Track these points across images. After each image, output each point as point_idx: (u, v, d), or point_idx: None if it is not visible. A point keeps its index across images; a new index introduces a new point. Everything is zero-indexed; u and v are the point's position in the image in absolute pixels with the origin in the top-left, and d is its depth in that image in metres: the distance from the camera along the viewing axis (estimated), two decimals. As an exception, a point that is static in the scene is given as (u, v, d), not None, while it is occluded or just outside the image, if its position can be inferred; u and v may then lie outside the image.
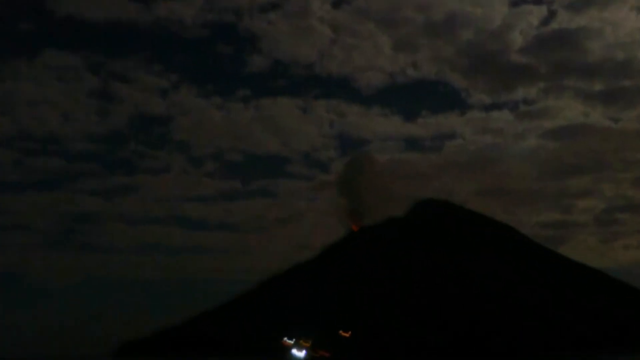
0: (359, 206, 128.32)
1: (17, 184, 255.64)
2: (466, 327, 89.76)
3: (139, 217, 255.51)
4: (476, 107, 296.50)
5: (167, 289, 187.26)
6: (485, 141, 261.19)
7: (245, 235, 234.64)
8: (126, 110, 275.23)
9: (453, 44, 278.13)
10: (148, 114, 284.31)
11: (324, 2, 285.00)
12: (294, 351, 73.27)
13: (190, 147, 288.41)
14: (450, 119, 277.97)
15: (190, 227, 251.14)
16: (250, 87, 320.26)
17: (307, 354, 73.82)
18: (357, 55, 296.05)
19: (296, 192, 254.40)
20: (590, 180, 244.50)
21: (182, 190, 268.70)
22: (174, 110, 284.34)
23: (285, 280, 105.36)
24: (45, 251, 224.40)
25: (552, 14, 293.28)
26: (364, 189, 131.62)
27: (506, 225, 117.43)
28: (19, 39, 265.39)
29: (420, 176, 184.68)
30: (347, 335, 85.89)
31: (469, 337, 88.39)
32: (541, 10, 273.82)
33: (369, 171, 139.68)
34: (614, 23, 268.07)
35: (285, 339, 78.10)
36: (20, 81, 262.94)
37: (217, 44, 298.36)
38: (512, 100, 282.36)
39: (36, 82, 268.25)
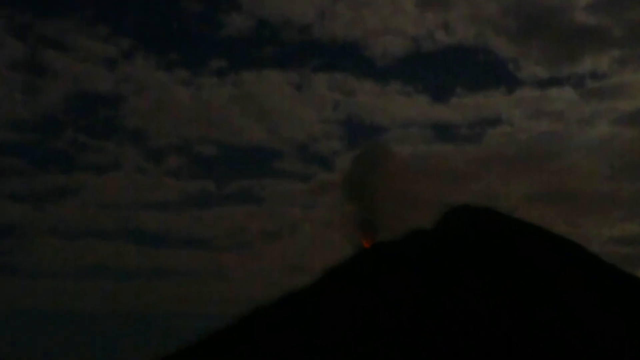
0: (372, 215, 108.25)
1: None
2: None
3: (78, 230, 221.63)
4: (528, 83, 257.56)
5: (116, 324, 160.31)
6: (540, 128, 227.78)
7: (220, 254, 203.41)
8: (62, 87, 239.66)
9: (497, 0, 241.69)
10: (91, 93, 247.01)
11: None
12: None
13: (148, 137, 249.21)
14: (494, 98, 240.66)
15: (148, 244, 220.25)
16: (227, 57, 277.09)
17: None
18: (369, 15, 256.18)
19: (288, 196, 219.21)
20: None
21: (136, 194, 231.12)
22: (125, 88, 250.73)
23: (274, 316, 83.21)
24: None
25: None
26: (379, 193, 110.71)
27: (569, 241, 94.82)
28: None
29: (454, 175, 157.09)
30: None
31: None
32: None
33: (385, 169, 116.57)
34: None
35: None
36: None
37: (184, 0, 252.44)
38: (577, 74, 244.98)
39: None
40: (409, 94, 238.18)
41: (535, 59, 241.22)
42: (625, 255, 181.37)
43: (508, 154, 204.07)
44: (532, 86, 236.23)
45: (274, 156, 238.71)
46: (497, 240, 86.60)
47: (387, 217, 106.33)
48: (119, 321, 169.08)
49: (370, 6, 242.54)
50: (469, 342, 70.60)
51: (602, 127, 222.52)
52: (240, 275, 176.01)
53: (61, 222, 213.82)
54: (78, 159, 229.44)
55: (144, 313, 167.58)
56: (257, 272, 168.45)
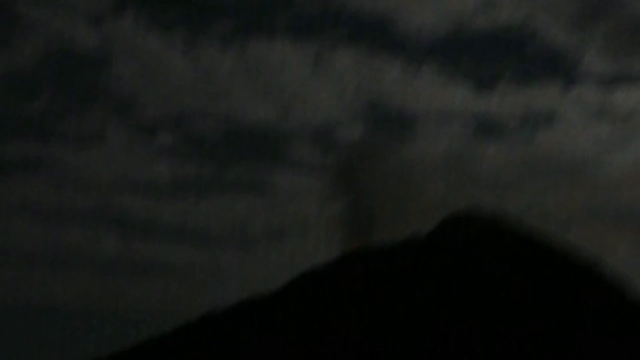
0: (369, 213, 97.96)
1: None
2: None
3: (51, 209, 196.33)
4: (591, 79, 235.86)
5: (90, 322, 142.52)
6: (601, 133, 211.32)
7: (219, 251, 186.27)
8: (38, 42, 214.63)
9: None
10: (73, 51, 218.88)
11: None
12: None
13: (137, 107, 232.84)
14: (546, 93, 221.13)
15: (132, 232, 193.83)
16: (233, 20, 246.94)
17: None
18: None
19: (301, 188, 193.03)
20: None
21: (120, 172, 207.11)
22: (112, 48, 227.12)
23: (224, 324, 77.51)
24: None
25: None
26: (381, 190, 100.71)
27: (586, 265, 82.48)
28: None
29: (497, 182, 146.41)
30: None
31: None
32: None
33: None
34: None
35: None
36: None
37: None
38: None
39: None
40: (445, 81, 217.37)
41: (599, 50, 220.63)
42: None
43: (561, 160, 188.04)
44: (596, 83, 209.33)
45: (284, 140, 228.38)
46: (487, 255, 78.19)
47: (388, 217, 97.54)
48: (95, 318, 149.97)
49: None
50: None
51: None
52: (240, 275, 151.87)
53: (32, 199, 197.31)
54: (53, 127, 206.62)
55: (123, 311, 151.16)
56: (260, 274, 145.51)
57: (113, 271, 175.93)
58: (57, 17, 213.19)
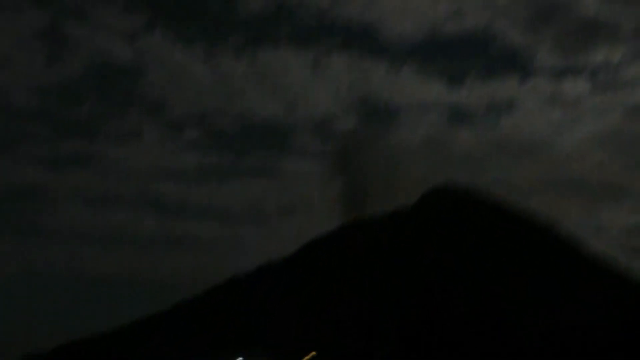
0: (363, 189, 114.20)
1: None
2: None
3: (98, 195, 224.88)
4: (543, 72, 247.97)
5: (133, 288, 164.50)
6: (554, 117, 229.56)
7: (239, 226, 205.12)
8: (83, 56, 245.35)
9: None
10: (112, 64, 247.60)
11: None
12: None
13: (167, 108, 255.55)
14: (507, 85, 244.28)
15: (166, 213, 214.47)
16: (244, 33, 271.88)
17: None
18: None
19: (306, 171, 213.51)
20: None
21: (155, 163, 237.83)
22: (144, 60, 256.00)
23: (245, 287, 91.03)
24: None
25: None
26: (377, 171, 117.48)
27: (545, 226, 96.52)
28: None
29: (469, 160, 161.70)
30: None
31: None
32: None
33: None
34: None
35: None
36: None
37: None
38: (592, 65, 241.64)
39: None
40: (422, 79, 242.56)
41: (549, 48, 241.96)
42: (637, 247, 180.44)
43: (521, 141, 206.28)
44: (547, 75, 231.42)
45: (290, 133, 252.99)
46: (463, 221, 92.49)
47: (379, 192, 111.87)
48: (135, 287, 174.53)
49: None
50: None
51: (614, 117, 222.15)
52: (257, 247, 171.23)
53: (82, 187, 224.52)
54: (99, 127, 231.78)
55: (159, 281, 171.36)
56: (273, 246, 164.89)
57: (151, 245, 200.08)
58: (98, 36, 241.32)
